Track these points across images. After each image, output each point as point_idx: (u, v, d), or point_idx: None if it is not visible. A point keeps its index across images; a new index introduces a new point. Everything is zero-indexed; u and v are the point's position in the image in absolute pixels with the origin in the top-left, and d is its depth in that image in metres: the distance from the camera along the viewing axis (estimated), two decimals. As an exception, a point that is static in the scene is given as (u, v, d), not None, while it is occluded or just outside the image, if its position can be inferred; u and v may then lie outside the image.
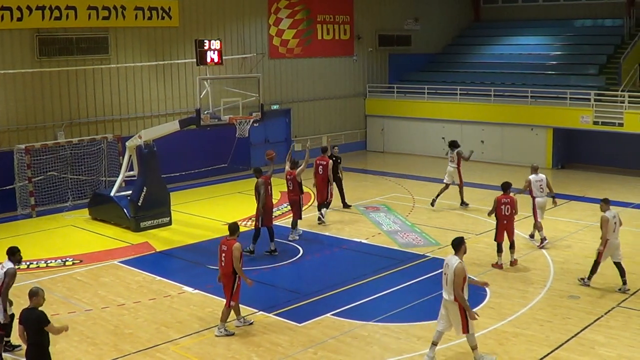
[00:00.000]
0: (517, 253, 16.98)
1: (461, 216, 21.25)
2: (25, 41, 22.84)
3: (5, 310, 11.64)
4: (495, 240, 16.43)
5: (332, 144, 22.64)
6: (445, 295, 11.18)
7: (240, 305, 13.14)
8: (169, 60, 26.58)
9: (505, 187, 16.45)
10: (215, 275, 16.22)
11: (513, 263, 16.29)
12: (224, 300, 14.28)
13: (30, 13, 22.64)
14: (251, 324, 13.14)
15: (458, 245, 11.31)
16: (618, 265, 14.73)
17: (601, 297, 14.24)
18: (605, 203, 14.80)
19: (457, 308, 10.99)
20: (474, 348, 11.24)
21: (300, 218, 19.26)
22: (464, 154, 22.53)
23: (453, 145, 22.93)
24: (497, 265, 16.32)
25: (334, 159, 21.46)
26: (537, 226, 17.83)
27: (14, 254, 11.89)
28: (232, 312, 12.96)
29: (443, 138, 32.35)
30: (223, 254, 12.71)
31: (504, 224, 16.28)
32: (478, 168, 29.30)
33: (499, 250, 16.34)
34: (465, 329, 11.06)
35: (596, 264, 14.88)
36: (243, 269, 12.80)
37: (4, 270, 11.65)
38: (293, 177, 19.07)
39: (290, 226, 19.29)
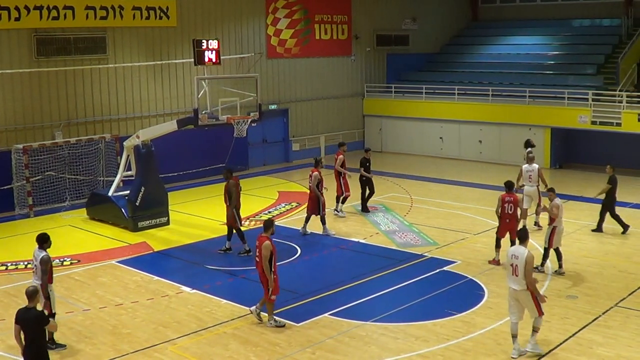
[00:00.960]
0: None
1: (459, 216, 21.25)
2: (23, 41, 22.82)
3: (47, 298, 11.86)
4: (496, 234, 16.51)
5: (366, 147, 22.88)
6: (515, 286, 11.43)
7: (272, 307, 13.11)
8: (167, 60, 26.56)
9: (509, 185, 16.48)
10: (214, 275, 16.34)
11: (497, 262, 16.39)
12: (222, 301, 14.35)
13: (28, 13, 22.62)
14: (283, 326, 13.00)
15: (526, 236, 11.75)
16: (557, 250, 15.75)
17: (599, 297, 14.24)
18: (553, 192, 16.05)
19: (529, 295, 11.35)
20: (536, 330, 11.61)
21: (315, 214, 19.28)
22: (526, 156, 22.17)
23: (525, 145, 22.66)
24: (494, 262, 16.37)
25: (367, 164, 21.62)
26: (522, 214, 17.59)
27: (45, 241, 12.10)
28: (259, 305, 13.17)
29: (441, 138, 32.44)
30: (257, 250, 12.76)
31: (507, 223, 16.32)
32: (476, 168, 29.34)
33: (497, 245, 16.43)
34: (541, 311, 11.50)
35: (546, 251, 15.86)
36: (274, 265, 12.82)
37: (38, 259, 11.88)
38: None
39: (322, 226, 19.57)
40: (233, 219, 17.52)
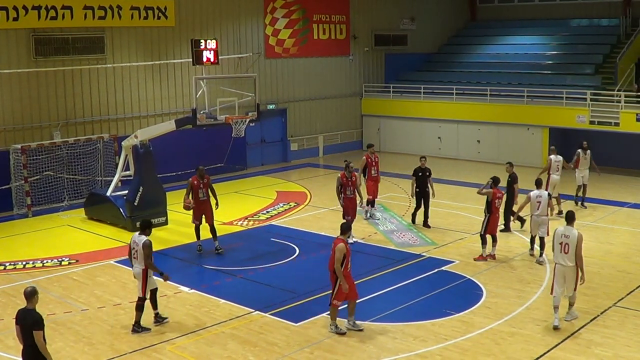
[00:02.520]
0: (513, 253, 17.14)
1: (457, 216, 21.24)
2: (22, 41, 22.81)
3: (161, 273, 12.89)
4: (487, 234, 16.73)
5: (421, 156, 20.79)
6: (563, 262, 12.59)
7: (337, 312, 12.66)
8: (165, 60, 26.56)
9: (498, 181, 16.87)
10: (212, 275, 16.32)
11: (493, 256, 16.75)
12: (220, 300, 14.34)
13: (26, 13, 22.61)
14: (361, 330, 12.64)
15: (574, 217, 13.01)
16: (541, 239, 16.59)
17: (598, 297, 14.24)
18: (538, 185, 16.98)
19: (575, 271, 12.56)
20: (572, 304, 12.92)
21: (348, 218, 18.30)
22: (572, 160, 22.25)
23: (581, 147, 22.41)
24: (491, 256, 16.69)
25: (420, 173, 19.80)
26: (557, 201, 19.96)
27: (148, 227, 13.01)
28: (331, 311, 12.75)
29: (439, 138, 32.46)
30: (331, 252, 12.52)
31: (496, 217, 16.79)
32: (474, 168, 29.34)
33: (493, 241, 16.79)
34: (576, 287, 12.74)
35: (532, 240, 17.01)
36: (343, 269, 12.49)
37: (140, 244, 12.74)
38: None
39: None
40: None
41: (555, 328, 12.52)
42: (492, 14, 39.09)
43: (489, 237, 16.74)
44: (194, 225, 17.84)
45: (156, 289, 13.07)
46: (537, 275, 15.64)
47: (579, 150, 22.08)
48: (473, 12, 39.89)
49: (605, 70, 31.16)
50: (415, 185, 19.80)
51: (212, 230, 17.79)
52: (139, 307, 12.88)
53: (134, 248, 12.93)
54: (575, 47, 33.62)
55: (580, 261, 12.48)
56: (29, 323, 9.43)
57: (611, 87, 29.00)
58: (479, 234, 17.05)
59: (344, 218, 18.16)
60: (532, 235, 16.92)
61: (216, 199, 17.82)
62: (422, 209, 20.00)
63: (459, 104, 31.79)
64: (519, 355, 11.63)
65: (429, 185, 19.78)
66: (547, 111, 29.06)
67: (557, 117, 28.73)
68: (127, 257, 13.33)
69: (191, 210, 17.73)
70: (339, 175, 18.59)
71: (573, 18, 36.18)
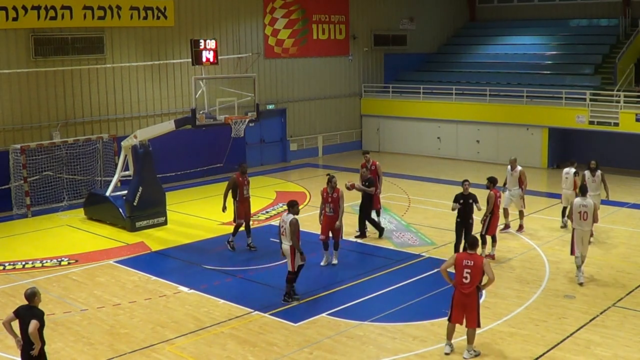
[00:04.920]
0: (512, 252, 17.15)
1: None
2: (21, 41, 22.80)
3: (301, 253, 13.78)
4: (487, 234, 16.76)
5: (464, 179, 16.62)
6: (585, 228, 15.00)
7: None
8: (165, 60, 26.55)
9: (495, 181, 17.02)
10: (211, 275, 16.27)
11: (492, 257, 16.76)
12: (220, 301, 14.31)
13: (25, 13, 22.60)
14: (478, 355, 11.68)
15: (587, 189, 15.97)
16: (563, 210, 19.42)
17: (597, 297, 14.26)
18: (571, 164, 19.32)
19: (589, 235, 15.30)
20: (583, 261, 15.14)
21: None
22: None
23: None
24: (490, 256, 16.69)
25: (461, 200, 16.27)
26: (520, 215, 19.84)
27: (293, 206, 13.92)
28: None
29: (439, 138, 32.46)
30: (467, 270, 11.28)
31: (497, 217, 16.91)
32: (473, 168, 29.34)
33: (492, 241, 16.83)
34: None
35: (564, 210, 19.27)
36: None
37: (287, 222, 13.64)
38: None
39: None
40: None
41: (581, 284, 14.81)
42: (492, 14, 39.10)
43: (488, 238, 16.77)
44: (236, 223, 17.83)
45: (302, 265, 13.97)
46: (536, 276, 15.65)
47: (586, 171, 18.97)
48: (472, 12, 39.87)
49: (604, 70, 31.17)
50: (456, 215, 16.65)
51: (249, 227, 17.99)
52: (290, 280, 14.04)
53: (282, 226, 13.83)
54: (575, 47, 33.63)
55: (597, 221, 15.15)
56: (29, 317, 9.45)
57: (610, 87, 29.01)
58: (479, 234, 17.05)
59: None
60: (563, 206, 19.35)
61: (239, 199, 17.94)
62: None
63: (459, 104, 31.79)
64: (518, 355, 11.64)
65: (473, 215, 16.54)
66: (547, 111, 29.06)
67: (556, 117, 28.74)
68: (277, 236, 14.17)
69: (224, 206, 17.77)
70: (321, 189, 16.99)
71: (572, 18, 36.20)
